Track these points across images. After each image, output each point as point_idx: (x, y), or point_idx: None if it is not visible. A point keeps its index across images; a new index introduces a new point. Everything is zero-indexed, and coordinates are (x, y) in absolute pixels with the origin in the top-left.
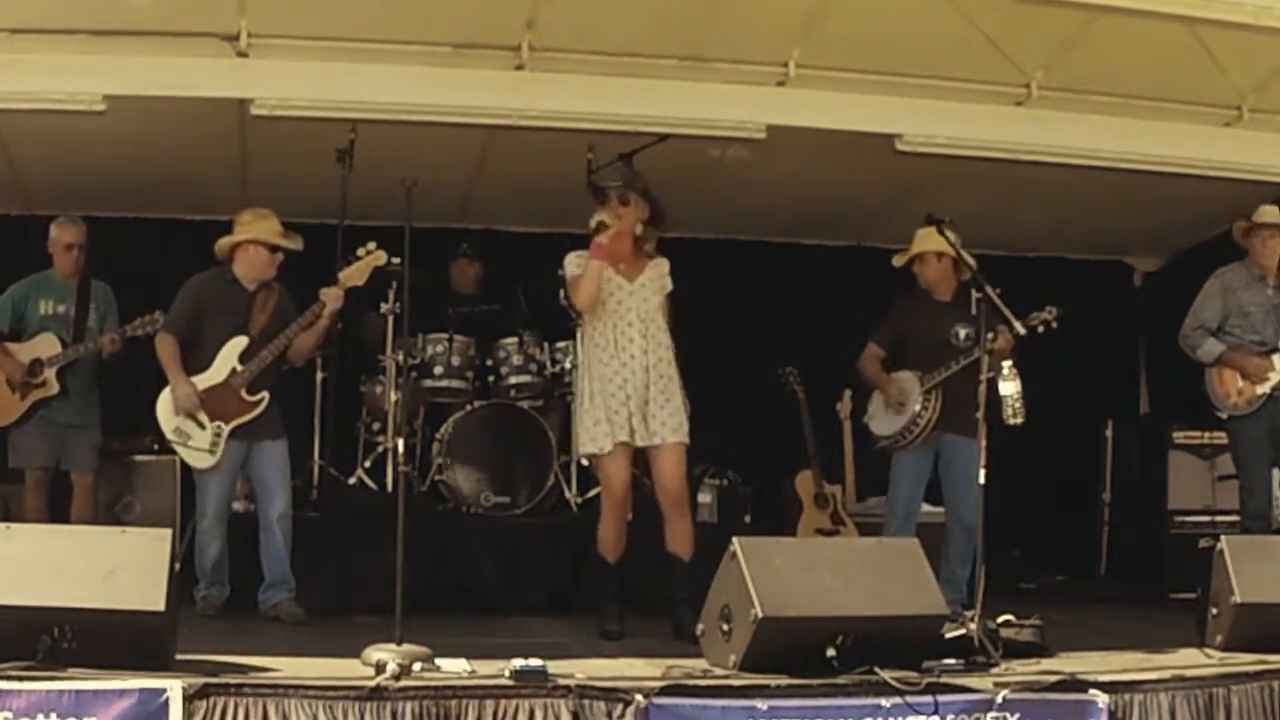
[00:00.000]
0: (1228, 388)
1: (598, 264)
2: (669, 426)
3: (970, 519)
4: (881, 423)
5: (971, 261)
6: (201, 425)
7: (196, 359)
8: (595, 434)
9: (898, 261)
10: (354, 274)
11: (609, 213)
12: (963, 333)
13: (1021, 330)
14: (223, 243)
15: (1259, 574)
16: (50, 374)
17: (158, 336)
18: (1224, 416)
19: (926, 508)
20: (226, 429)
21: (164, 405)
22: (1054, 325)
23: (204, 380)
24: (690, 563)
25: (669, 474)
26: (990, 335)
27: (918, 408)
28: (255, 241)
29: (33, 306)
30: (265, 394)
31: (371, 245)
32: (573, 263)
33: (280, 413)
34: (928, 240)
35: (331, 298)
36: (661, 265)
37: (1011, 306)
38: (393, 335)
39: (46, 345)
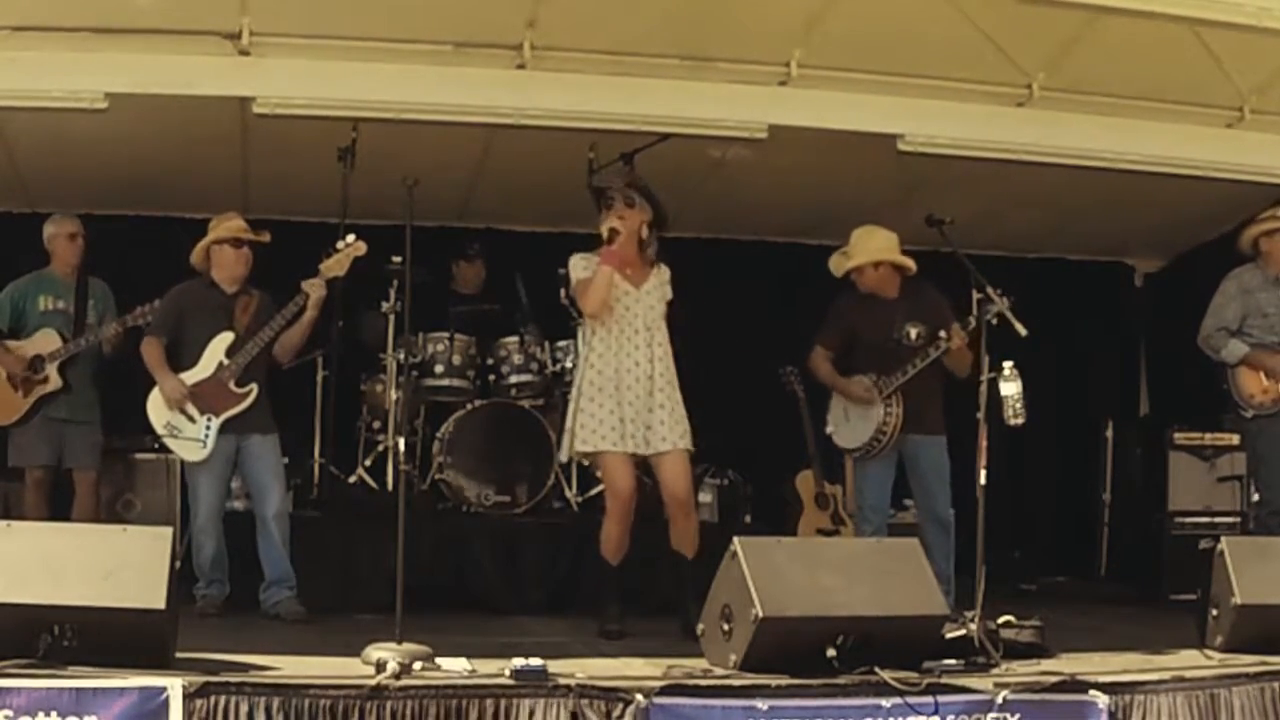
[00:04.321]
0: (1252, 388)
1: (609, 269)
2: (675, 433)
3: (944, 514)
4: (845, 434)
5: (910, 263)
6: (192, 419)
7: (183, 358)
8: (563, 442)
9: (837, 273)
10: (334, 265)
11: (615, 217)
12: (914, 332)
13: (965, 335)
14: (197, 250)
15: (1259, 575)
16: (52, 369)
17: (143, 340)
18: (1248, 416)
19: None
20: (217, 421)
21: (154, 403)
22: (1007, 314)
23: (192, 376)
24: (695, 561)
25: (675, 481)
26: (943, 334)
27: (881, 415)
28: (220, 240)
29: (31, 303)
30: (254, 386)
31: (351, 237)
32: (578, 265)
33: (277, 410)
34: (861, 252)
35: (314, 288)
36: (664, 273)
37: (1013, 307)
38: (393, 334)
39: (47, 341)
